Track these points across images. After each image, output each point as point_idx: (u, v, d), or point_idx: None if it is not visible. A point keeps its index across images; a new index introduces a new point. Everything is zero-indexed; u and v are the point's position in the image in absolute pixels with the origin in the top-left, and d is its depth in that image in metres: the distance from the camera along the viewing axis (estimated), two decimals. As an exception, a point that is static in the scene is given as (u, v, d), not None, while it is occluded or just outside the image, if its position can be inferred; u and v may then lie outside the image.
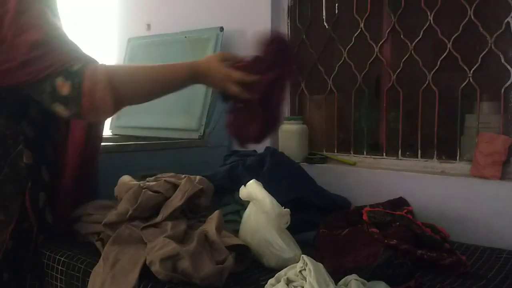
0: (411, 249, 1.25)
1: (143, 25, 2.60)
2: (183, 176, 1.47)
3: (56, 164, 1.49)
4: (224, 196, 1.61)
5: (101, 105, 1.21)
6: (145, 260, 1.19)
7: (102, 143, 1.75)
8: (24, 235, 1.39)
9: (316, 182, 1.71)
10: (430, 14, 1.74)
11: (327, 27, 2.04)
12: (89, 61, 1.22)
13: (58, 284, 1.37)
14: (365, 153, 1.95)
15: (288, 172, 1.65)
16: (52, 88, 1.20)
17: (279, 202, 1.32)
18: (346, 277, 1.03)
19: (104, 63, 1.26)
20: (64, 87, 1.19)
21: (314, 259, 1.03)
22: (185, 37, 2.30)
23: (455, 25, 1.69)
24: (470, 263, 1.26)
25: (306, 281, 0.99)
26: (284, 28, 2.13)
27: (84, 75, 1.18)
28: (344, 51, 1.98)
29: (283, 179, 1.60)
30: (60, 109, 1.22)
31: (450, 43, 1.71)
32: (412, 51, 1.79)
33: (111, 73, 1.22)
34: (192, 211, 1.44)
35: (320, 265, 1.02)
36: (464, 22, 1.67)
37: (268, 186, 1.36)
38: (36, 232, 1.42)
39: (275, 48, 1.28)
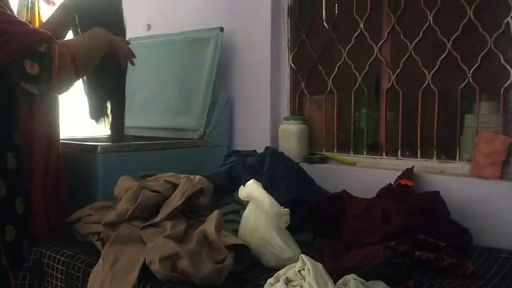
0: (410, 250, 1.25)
1: (143, 25, 2.60)
2: (182, 176, 1.47)
3: (22, 151, 1.50)
4: (223, 196, 1.61)
5: (67, 82, 1.49)
6: (145, 260, 1.19)
7: (102, 143, 1.76)
8: None
9: (316, 182, 1.71)
10: (430, 14, 1.74)
11: (327, 27, 2.04)
12: (50, 41, 1.43)
13: (58, 283, 1.38)
14: (365, 153, 1.95)
15: (288, 172, 1.65)
16: (19, 69, 1.39)
17: (278, 202, 1.32)
18: (345, 277, 1.03)
19: (62, 40, 1.52)
20: (33, 68, 1.40)
21: (314, 259, 1.04)
22: (185, 37, 2.30)
23: (455, 25, 1.69)
24: (471, 265, 1.25)
25: (305, 280, 0.99)
26: (284, 28, 2.13)
27: (53, 56, 1.41)
28: (344, 51, 1.98)
29: (283, 179, 1.60)
30: (29, 87, 1.42)
31: (450, 43, 1.71)
32: (412, 51, 1.80)
33: (73, 52, 1.46)
34: (191, 211, 1.45)
35: (319, 265, 1.02)
36: (463, 22, 1.67)
37: (268, 186, 1.37)
38: (0, 222, 1.42)
39: None
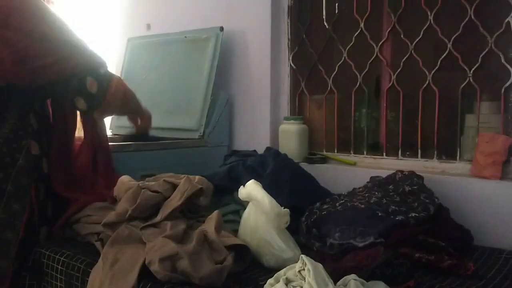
0: (409, 252, 1.25)
1: (143, 25, 2.60)
2: (182, 176, 1.46)
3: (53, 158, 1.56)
4: (223, 196, 1.61)
5: (111, 111, 1.60)
6: (145, 260, 1.19)
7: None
8: (31, 225, 1.46)
9: (319, 184, 1.71)
10: (430, 14, 1.74)
11: (327, 27, 2.04)
12: (107, 66, 1.55)
13: (58, 283, 1.37)
14: (365, 153, 1.95)
15: (292, 177, 1.63)
16: (80, 84, 1.47)
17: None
18: (345, 277, 1.03)
19: (118, 76, 1.61)
20: (93, 86, 1.49)
21: (314, 259, 1.03)
22: (185, 37, 2.30)
23: (455, 25, 1.69)
24: (472, 266, 1.24)
25: (305, 281, 0.99)
26: (284, 28, 2.13)
27: (112, 82, 1.52)
28: (344, 51, 1.98)
29: (286, 183, 1.58)
30: (80, 103, 1.48)
31: (450, 43, 1.70)
32: (412, 51, 1.79)
33: (126, 91, 1.59)
34: (191, 211, 1.44)
35: (319, 265, 1.02)
36: (464, 22, 1.67)
37: (269, 190, 1.35)
38: (38, 223, 1.48)
39: None
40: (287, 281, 1.03)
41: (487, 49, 1.63)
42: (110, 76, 1.54)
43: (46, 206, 1.53)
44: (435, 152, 1.76)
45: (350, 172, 1.88)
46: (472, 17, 1.65)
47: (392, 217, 1.34)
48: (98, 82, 1.49)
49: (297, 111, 2.15)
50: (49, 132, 1.57)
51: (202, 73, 2.14)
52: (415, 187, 1.48)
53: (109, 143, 1.70)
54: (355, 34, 1.94)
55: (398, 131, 1.86)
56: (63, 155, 1.58)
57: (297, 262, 1.05)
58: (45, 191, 1.52)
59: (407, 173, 1.58)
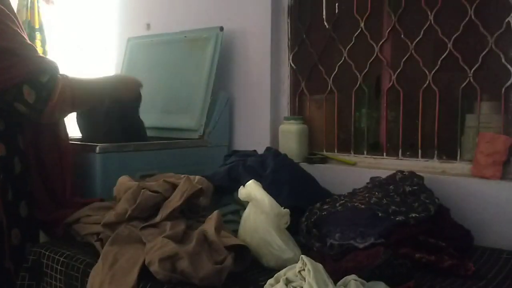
0: (410, 252, 1.25)
1: (142, 25, 2.60)
2: (182, 176, 1.46)
3: (28, 156, 1.54)
4: (223, 196, 1.61)
5: (60, 115, 1.53)
6: (144, 260, 1.19)
7: (102, 143, 1.75)
8: None
9: (319, 184, 1.70)
10: (431, 14, 1.74)
11: (327, 27, 2.04)
12: (55, 73, 1.46)
13: (58, 284, 1.37)
14: (365, 153, 1.95)
15: (292, 177, 1.63)
16: (18, 92, 1.40)
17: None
18: (345, 277, 1.03)
19: (67, 76, 1.51)
20: (30, 96, 1.41)
21: (314, 260, 1.03)
22: (185, 36, 2.29)
23: (456, 25, 1.68)
24: (472, 266, 1.24)
25: (305, 281, 0.99)
26: (284, 28, 2.13)
27: (53, 90, 1.43)
28: (344, 51, 1.97)
29: (286, 184, 1.58)
30: (22, 109, 1.42)
31: (451, 42, 1.70)
32: (413, 51, 1.79)
33: (75, 92, 1.49)
34: (191, 211, 1.44)
35: (320, 266, 1.02)
36: (464, 22, 1.67)
37: (269, 190, 1.35)
38: (6, 225, 1.44)
39: None
40: (287, 282, 1.02)
41: (487, 49, 1.63)
42: (53, 84, 1.45)
43: (17, 207, 1.49)
44: (436, 152, 1.76)
45: (350, 172, 1.87)
46: (473, 17, 1.65)
47: (392, 217, 1.34)
48: (36, 91, 1.42)
49: (297, 111, 2.15)
50: (21, 132, 1.53)
51: (202, 73, 2.14)
52: (415, 187, 1.48)
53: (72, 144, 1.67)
54: (355, 34, 1.94)
55: (398, 131, 1.85)
56: (36, 158, 1.57)
57: (297, 262, 1.04)
58: (15, 192, 1.48)
59: (407, 173, 1.58)
